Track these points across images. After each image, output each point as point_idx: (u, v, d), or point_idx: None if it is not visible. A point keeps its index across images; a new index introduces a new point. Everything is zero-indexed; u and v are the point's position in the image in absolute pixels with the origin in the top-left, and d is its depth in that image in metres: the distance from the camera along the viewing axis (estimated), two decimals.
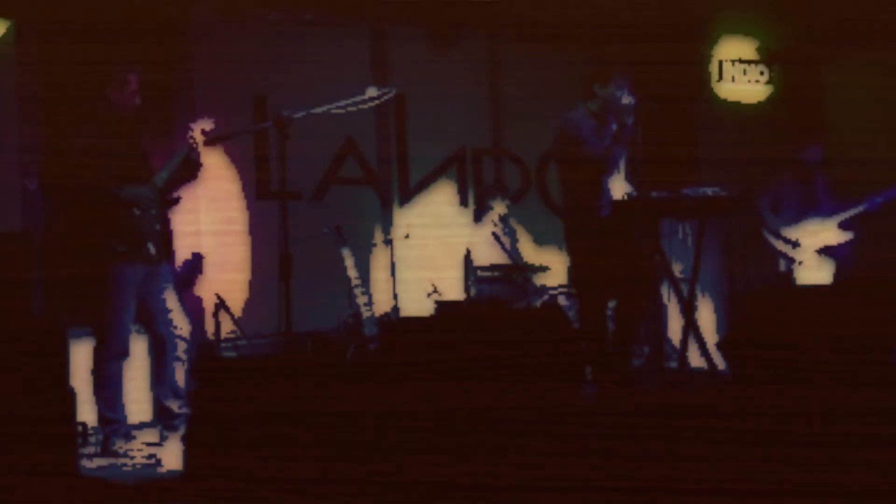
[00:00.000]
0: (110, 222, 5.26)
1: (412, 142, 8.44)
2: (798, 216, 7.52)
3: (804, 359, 4.10)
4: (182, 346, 5.41)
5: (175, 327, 5.40)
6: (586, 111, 5.83)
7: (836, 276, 7.43)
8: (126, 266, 5.30)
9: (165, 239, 5.47)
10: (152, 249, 5.34)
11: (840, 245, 7.46)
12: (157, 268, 5.39)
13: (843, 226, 7.45)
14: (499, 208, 8.04)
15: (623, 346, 5.79)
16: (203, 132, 5.50)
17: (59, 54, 6.62)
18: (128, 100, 5.44)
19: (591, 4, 7.80)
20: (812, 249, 7.46)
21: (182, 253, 7.10)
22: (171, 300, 5.43)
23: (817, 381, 4.00)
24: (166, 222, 5.51)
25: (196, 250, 7.22)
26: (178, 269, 7.04)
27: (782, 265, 7.54)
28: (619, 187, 5.83)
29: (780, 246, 7.55)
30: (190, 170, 5.53)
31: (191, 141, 5.45)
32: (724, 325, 7.17)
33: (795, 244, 7.46)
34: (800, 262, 7.45)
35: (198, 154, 5.48)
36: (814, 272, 7.42)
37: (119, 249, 5.27)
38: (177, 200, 5.55)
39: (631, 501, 3.56)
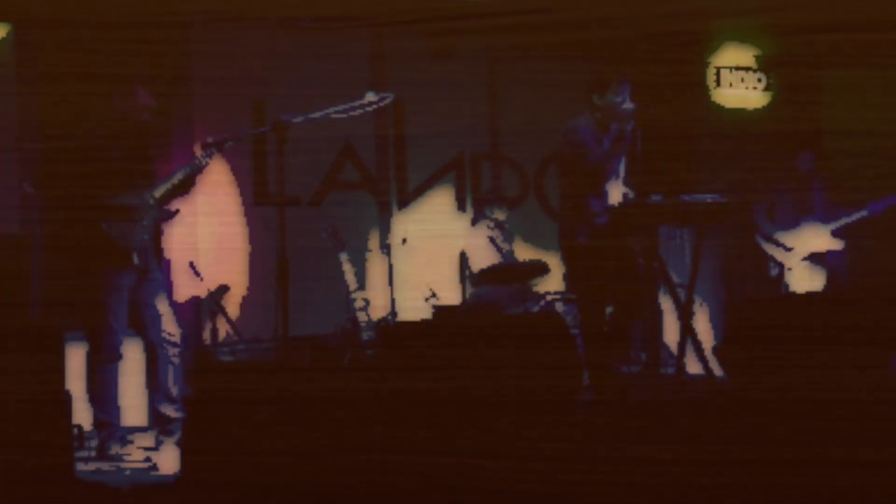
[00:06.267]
0: (98, 230, 5.27)
1: (410, 147, 8.45)
2: (793, 222, 7.51)
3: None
4: (174, 351, 5.41)
5: (166, 333, 5.41)
6: (589, 118, 5.82)
7: (829, 283, 7.42)
8: (114, 273, 5.31)
9: (157, 249, 5.48)
10: (136, 260, 5.34)
11: (833, 252, 7.44)
12: (147, 275, 5.40)
13: (837, 234, 7.43)
14: (496, 216, 8.05)
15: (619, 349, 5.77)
16: (206, 148, 5.54)
17: (58, 58, 6.62)
18: (133, 113, 5.44)
19: (589, 10, 7.81)
20: (802, 255, 7.45)
21: (182, 262, 7.12)
22: (163, 306, 5.44)
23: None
24: (158, 233, 5.52)
25: (198, 264, 7.23)
26: (193, 299, 7.07)
27: (772, 270, 7.52)
28: (617, 193, 5.82)
29: (771, 250, 7.54)
30: (187, 186, 5.56)
31: (200, 159, 5.48)
32: (720, 331, 7.17)
33: (787, 249, 7.46)
34: (789, 268, 7.44)
35: (197, 176, 5.52)
36: (804, 279, 7.41)
37: (106, 258, 5.28)
38: (175, 213, 5.56)
39: None
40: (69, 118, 5.57)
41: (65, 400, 4.37)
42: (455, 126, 8.44)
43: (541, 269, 7.67)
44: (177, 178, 5.48)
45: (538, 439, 3.89)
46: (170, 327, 5.44)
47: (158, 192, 5.45)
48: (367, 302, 7.22)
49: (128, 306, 5.37)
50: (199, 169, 5.48)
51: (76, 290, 5.26)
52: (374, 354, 6.76)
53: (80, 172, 5.24)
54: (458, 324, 5.58)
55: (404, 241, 7.63)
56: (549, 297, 7.37)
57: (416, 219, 8.41)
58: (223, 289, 7.26)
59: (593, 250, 5.64)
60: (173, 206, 5.55)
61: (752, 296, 7.78)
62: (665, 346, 6.60)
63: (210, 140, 5.55)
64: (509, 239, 8.07)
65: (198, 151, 5.53)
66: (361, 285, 7.25)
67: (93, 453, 5.30)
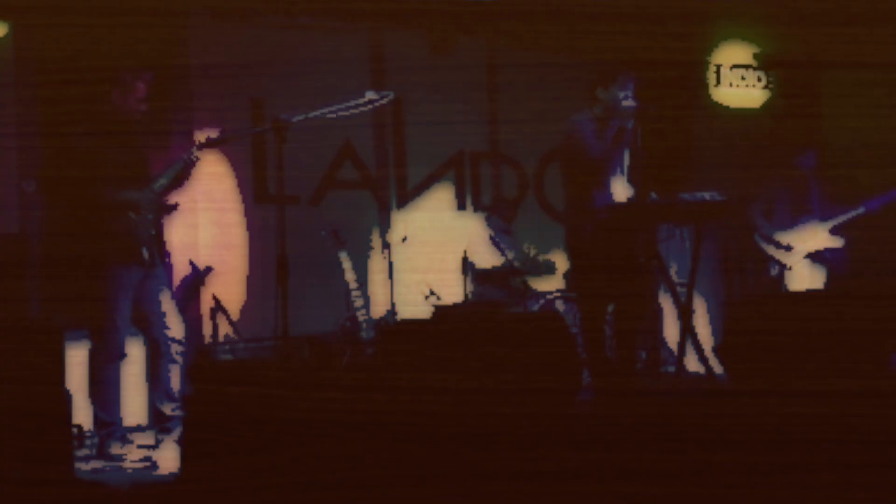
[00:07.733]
0: (106, 226, 5.27)
1: (410, 145, 8.45)
2: (791, 221, 7.51)
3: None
4: (176, 348, 5.41)
5: (170, 330, 5.41)
6: (589, 115, 5.80)
7: (829, 281, 7.42)
8: (121, 269, 5.31)
9: (160, 244, 5.49)
10: (146, 254, 5.35)
11: (833, 250, 7.44)
12: (152, 271, 5.40)
13: (835, 231, 7.43)
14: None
15: (624, 350, 5.76)
16: (203, 141, 5.55)
17: (57, 56, 6.62)
18: (133, 106, 5.44)
19: (589, 8, 7.81)
20: (803, 254, 7.45)
21: (181, 260, 7.12)
22: (166, 303, 5.44)
23: None
24: (161, 227, 5.53)
25: (198, 262, 7.22)
26: (183, 281, 7.06)
27: (773, 270, 7.52)
28: (621, 190, 5.81)
29: (771, 251, 7.53)
30: (182, 180, 5.57)
31: (193, 152, 5.48)
32: (720, 329, 7.17)
33: (787, 249, 7.45)
34: (790, 267, 7.43)
35: (193, 166, 5.53)
36: (804, 278, 7.41)
37: (115, 254, 5.28)
38: (175, 207, 5.57)
39: None
40: (69, 114, 5.57)
41: (65, 399, 4.37)
42: (454, 124, 8.44)
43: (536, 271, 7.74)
44: (172, 171, 5.50)
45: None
46: (173, 324, 5.44)
47: (157, 186, 5.45)
48: (366, 300, 7.23)
49: (131, 303, 5.37)
50: (191, 163, 5.50)
51: (83, 288, 5.26)
52: (374, 353, 6.77)
53: (84, 168, 5.24)
54: (459, 322, 5.58)
55: (404, 239, 7.63)
56: (549, 296, 7.38)
57: (416, 217, 8.41)
58: (207, 270, 7.23)
59: (595, 248, 5.63)
60: (172, 199, 5.57)
61: (752, 294, 7.79)
62: (665, 345, 6.62)
63: (205, 137, 5.57)
64: (512, 240, 8.07)
65: (197, 155, 5.53)
66: (361, 284, 7.25)
67: (93, 452, 5.31)
